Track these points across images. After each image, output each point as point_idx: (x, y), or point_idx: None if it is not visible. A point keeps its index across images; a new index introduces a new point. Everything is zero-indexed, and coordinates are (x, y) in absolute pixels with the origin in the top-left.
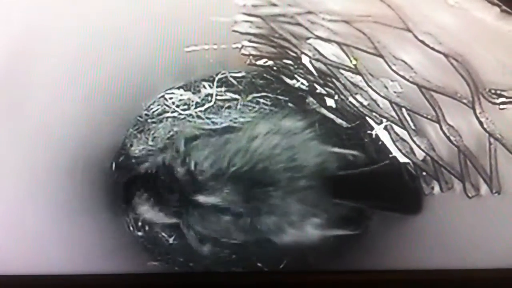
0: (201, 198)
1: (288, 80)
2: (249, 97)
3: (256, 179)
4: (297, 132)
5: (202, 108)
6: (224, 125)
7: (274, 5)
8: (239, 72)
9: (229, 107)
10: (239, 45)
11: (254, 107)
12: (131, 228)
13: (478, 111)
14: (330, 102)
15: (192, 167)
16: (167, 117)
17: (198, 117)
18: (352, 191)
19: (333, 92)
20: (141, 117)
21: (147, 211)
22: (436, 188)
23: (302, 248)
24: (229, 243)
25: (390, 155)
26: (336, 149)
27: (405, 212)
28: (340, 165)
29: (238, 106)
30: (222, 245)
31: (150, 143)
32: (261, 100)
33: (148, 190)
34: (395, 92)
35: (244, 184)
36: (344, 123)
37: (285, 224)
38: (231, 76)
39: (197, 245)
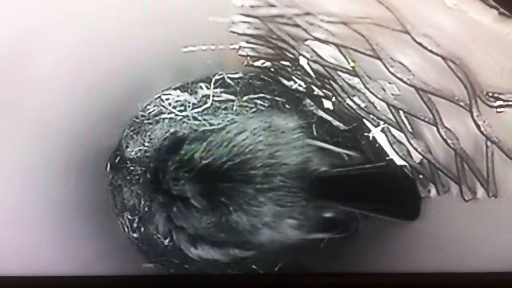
0: (173, 191)
1: (285, 82)
2: (245, 98)
3: (227, 174)
4: (285, 131)
5: (199, 110)
6: (221, 126)
7: (272, 6)
8: (237, 73)
9: (225, 108)
10: (237, 46)
11: (251, 108)
12: (126, 230)
13: (475, 114)
14: (327, 104)
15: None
16: (164, 118)
17: (195, 118)
18: (341, 193)
19: (330, 94)
20: (137, 118)
21: None
22: (433, 191)
23: (295, 250)
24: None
25: (387, 158)
26: (327, 145)
27: (402, 217)
28: (328, 166)
29: (235, 107)
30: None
31: (147, 144)
32: (258, 102)
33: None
34: (392, 94)
35: (212, 178)
36: (341, 125)
37: (258, 224)
38: (228, 77)
39: (187, 245)
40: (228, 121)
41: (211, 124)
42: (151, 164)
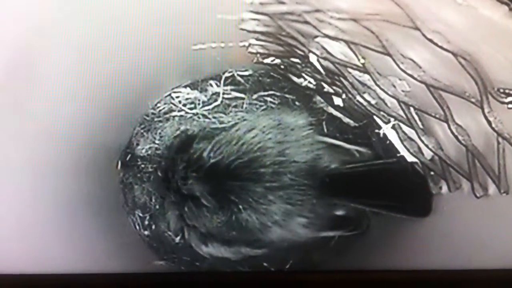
0: (183, 190)
1: (295, 79)
2: (255, 95)
3: (235, 173)
4: (295, 128)
5: (209, 107)
6: (231, 123)
7: (282, 3)
8: (246, 70)
9: (236, 106)
10: (246, 43)
11: (261, 106)
12: (137, 227)
13: (486, 110)
14: (337, 101)
15: (177, 157)
16: (174, 116)
17: (204, 116)
18: (352, 190)
19: (340, 91)
20: (147, 115)
21: None
22: (444, 188)
23: (306, 248)
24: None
25: (398, 155)
26: (338, 142)
27: (414, 214)
28: (338, 163)
29: (245, 105)
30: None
31: (157, 142)
32: (268, 99)
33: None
34: (403, 91)
35: (221, 177)
36: (351, 122)
37: (268, 223)
38: (238, 75)
39: (198, 243)
40: (238, 119)
41: (221, 122)
42: (162, 162)
